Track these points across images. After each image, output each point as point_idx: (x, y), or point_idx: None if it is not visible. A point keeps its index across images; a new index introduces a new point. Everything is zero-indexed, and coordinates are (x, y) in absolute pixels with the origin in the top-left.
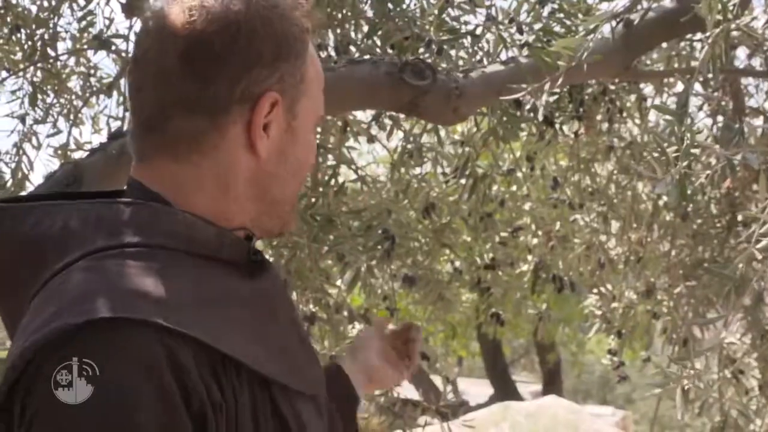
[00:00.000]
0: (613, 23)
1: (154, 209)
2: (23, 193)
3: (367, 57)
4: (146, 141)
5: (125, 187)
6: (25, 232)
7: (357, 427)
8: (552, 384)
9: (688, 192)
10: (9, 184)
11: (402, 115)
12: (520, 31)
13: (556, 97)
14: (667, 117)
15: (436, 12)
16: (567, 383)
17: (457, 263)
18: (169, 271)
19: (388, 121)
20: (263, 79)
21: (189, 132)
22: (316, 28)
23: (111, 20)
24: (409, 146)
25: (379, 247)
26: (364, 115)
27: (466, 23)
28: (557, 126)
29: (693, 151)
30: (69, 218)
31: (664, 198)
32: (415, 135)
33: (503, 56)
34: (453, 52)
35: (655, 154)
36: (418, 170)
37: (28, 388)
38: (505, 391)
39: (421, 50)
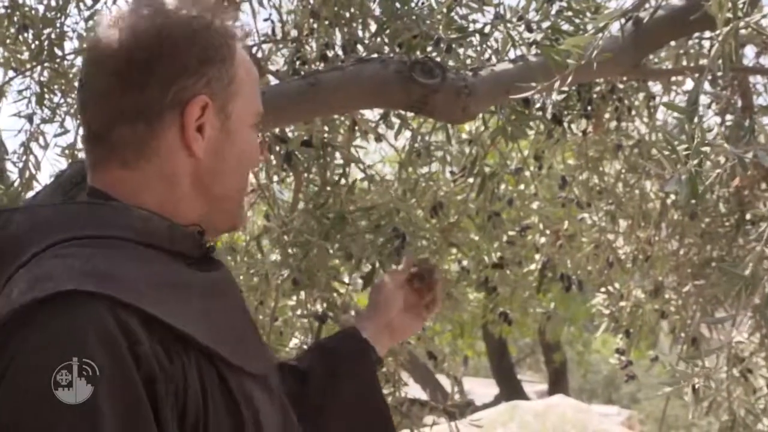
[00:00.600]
0: (622, 21)
1: (112, 207)
2: (31, 193)
3: (375, 56)
4: (96, 151)
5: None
6: (10, 231)
7: (377, 386)
8: (558, 383)
9: (699, 190)
10: (16, 183)
11: (410, 114)
12: (530, 30)
13: (564, 95)
14: (678, 115)
15: (444, 10)
16: (572, 383)
17: (465, 262)
18: (124, 257)
19: (395, 120)
20: (191, 85)
21: (131, 140)
22: (242, 35)
23: None
24: (417, 145)
25: (389, 245)
26: (371, 114)
27: (474, 21)
28: (566, 125)
29: (703, 149)
30: (34, 219)
31: (672, 196)
32: (423, 134)
33: (511, 55)
34: (461, 51)
35: (666, 152)
36: (425, 169)
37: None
38: (511, 390)
39: (430, 48)
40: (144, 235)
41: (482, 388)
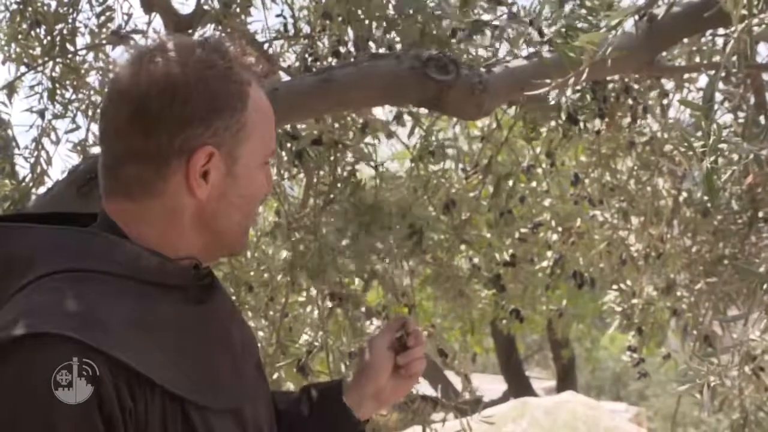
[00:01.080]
0: (636, 18)
1: (107, 240)
2: (42, 189)
3: (389, 51)
4: (108, 182)
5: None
6: (2, 252)
7: None
8: (566, 380)
9: (716, 187)
10: (28, 178)
11: (423, 111)
12: (541, 34)
13: (578, 94)
14: (693, 112)
15: (458, 5)
16: (580, 379)
17: (476, 260)
18: (108, 294)
19: (407, 118)
20: (198, 135)
21: (138, 178)
22: (265, 74)
23: (129, 15)
24: (429, 142)
25: (408, 240)
26: (383, 112)
27: (487, 23)
28: (581, 123)
29: (720, 146)
30: (36, 242)
31: (684, 194)
32: (435, 131)
33: (524, 52)
34: (472, 49)
35: (682, 149)
36: (438, 166)
37: None
38: (519, 387)
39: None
40: (135, 270)
41: (490, 385)
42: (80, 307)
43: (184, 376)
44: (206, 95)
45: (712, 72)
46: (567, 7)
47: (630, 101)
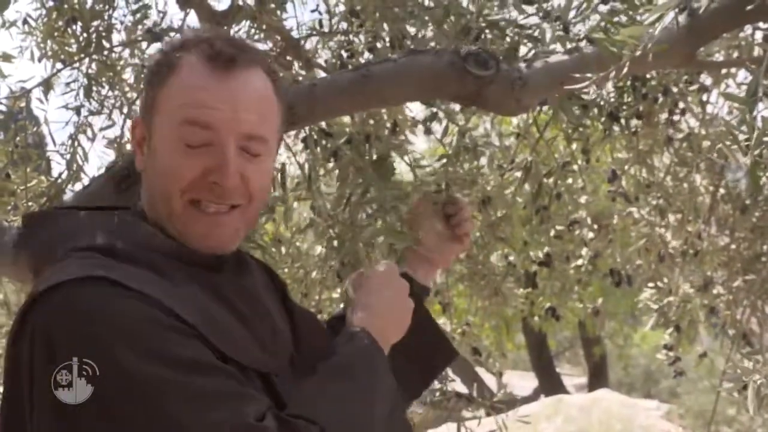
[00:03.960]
0: (677, 11)
1: (126, 221)
2: (78, 185)
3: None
4: None
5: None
6: (49, 233)
7: (426, 312)
8: (597, 377)
9: (760, 181)
10: (64, 175)
11: (457, 109)
12: (566, 30)
13: (619, 91)
14: (738, 105)
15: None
16: (611, 376)
17: (511, 257)
18: (133, 261)
19: (441, 115)
20: (139, 112)
21: None
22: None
23: (165, 12)
24: (463, 142)
25: None
26: (417, 110)
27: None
28: (622, 122)
29: (765, 139)
30: (77, 223)
31: (722, 190)
32: (470, 129)
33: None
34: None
35: (727, 143)
36: (473, 164)
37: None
38: (551, 384)
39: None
40: (151, 246)
41: (521, 381)
42: (110, 266)
43: (211, 326)
44: (145, 78)
45: (753, 66)
46: (602, 6)
47: (669, 102)
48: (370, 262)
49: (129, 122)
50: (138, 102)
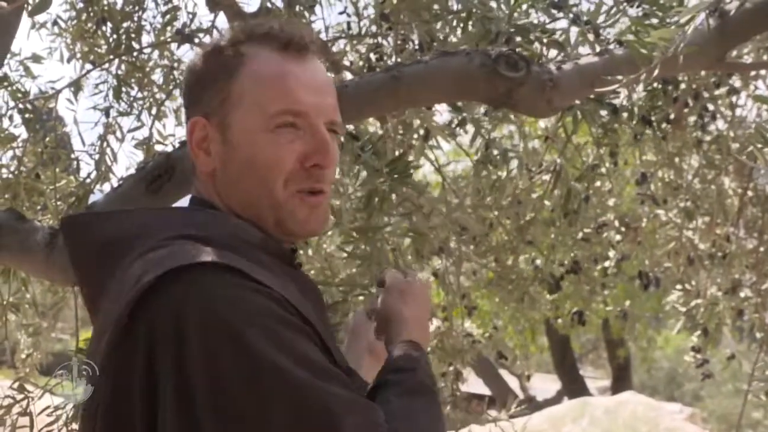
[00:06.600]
0: (708, 14)
1: (209, 213)
2: (107, 186)
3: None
4: None
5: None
6: (106, 234)
7: None
8: (621, 380)
9: None
10: (93, 175)
11: (484, 116)
12: (597, 35)
13: (647, 95)
14: (767, 107)
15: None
16: (634, 379)
17: (538, 261)
18: (222, 247)
19: (470, 125)
20: (195, 113)
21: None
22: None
23: (194, 14)
24: (491, 149)
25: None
26: (444, 118)
27: (551, 32)
28: (654, 125)
29: None
30: (140, 221)
31: (750, 193)
32: (497, 138)
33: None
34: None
35: (759, 145)
36: (502, 171)
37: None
38: (574, 386)
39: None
40: (236, 237)
41: (543, 384)
42: (210, 250)
43: (322, 324)
44: (197, 76)
45: None
46: (630, 9)
47: (699, 105)
48: (405, 267)
49: (157, 123)
50: (167, 103)
